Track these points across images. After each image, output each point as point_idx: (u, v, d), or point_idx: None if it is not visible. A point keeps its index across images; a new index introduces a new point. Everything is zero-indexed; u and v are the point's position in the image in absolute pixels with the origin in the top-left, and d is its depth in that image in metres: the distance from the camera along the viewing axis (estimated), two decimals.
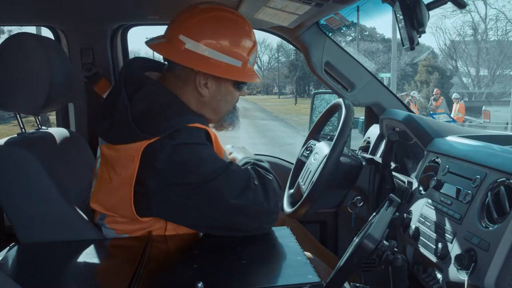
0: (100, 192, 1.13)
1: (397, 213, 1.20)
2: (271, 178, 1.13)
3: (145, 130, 1.02)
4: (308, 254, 1.30)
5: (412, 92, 13.50)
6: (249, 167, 1.15)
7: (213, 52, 1.09)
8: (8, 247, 1.09)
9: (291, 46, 2.02)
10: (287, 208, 1.48)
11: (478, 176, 1.02)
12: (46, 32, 1.87)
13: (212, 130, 1.11)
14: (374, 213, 1.02)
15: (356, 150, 1.69)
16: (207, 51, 1.09)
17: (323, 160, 1.35)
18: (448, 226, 1.05)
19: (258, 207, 1.07)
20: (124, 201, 1.06)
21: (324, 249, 1.71)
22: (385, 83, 12.75)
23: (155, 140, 1.01)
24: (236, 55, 1.12)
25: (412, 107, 10.71)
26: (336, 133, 1.29)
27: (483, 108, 14.22)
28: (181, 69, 1.13)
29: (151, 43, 1.15)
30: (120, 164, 1.06)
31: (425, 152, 1.33)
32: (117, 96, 1.09)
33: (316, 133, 1.65)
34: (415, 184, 1.32)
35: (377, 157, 1.54)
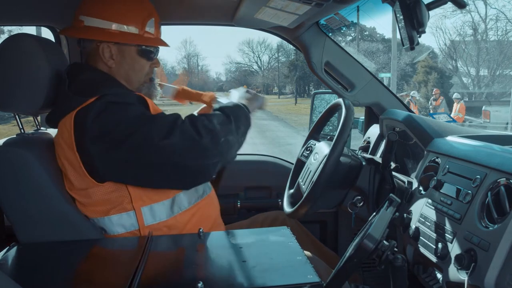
0: (66, 179, 1.20)
1: (397, 213, 1.20)
2: (203, 117, 1.18)
3: (79, 95, 1.15)
4: (308, 253, 1.30)
5: (412, 92, 13.49)
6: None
7: (106, 23, 1.22)
8: (8, 247, 1.09)
9: (291, 46, 2.02)
10: (287, 208, 1.48)
11: (478, 176, 1.02)
12: (46, 32, 1.87)
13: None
14: (374, 213, 1.02)
15: (356, 150, 1.69)
16: (102, 23, 1.22)
17: (323, 160, 1.35)
18: (448, 226, 1.05)
19: (189, 143, 1.13)
20: (76, 169, 1.15)
21: (325, 249, 1.70)
22: (385, 83, 12.75)
23: (86, 104, 1.12)
24: (130, 23, 1.24)
25: (412, 107, 10.71)
26: (336, 133, 1.29)
27: (483, 108, 14.21)
28: (88, 47, 1.26)
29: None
30: (64, 138, 1.15)
31: (425, 152, 1.33)
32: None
33: (316, 133, 1.65)
34: (415, 184, 1.32)
35: (377, 157, 1.53)
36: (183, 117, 1.20)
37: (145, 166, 1.13)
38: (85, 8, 1.24)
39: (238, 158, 2.12)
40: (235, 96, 1.43)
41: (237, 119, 1.24)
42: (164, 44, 1.32)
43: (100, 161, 1.12)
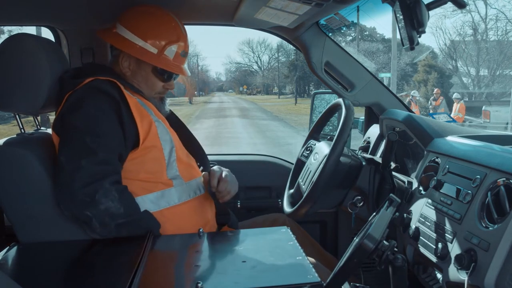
0: None
1: (397, 213, 1.20)
2: (113, 191, 1.13)
3: (73, 80, 1.23)
4: (311, 259, 1.30)
5: (412, 92, 13.49)
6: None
7: (132, 36, 1.30)
8: (8, 247, 1.09)
9: (291, 46, 2.02)
10: (287, 208, 1.48)
11: (478, 176, 1.02)
12: (46, 32, 1.87)
13: (128, 93, 1.25)
14: (374, 213, 1.02)
15: (356, 150, 1.69)
16: (128, 34, 1.31)
17: (323, 160, 1.35)
18: (448, 226, 1.05)
19: (65, 178, 1.12)
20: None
21: (323, 251, 1.70)
22: (385, 83, 12.74)
23: (78, 87, 1.20)
24: (152, 43, 1.31)
25: (413, 107, 10.69)
26: (336, 133, 1.29)
27: (483, 108, 14.22)
28: (114, 50, 1.37)
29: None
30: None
31: (425, 152, 1.33)
32: None
33: (316, 133, 1.65)
34: (415, 184, 1.32)
35: (377, 157, 1.53)
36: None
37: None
38: (122, 16, 1.34)
39: (238, 158, 2.13)
40: None
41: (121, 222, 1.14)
42: (180, 71, 1.36)
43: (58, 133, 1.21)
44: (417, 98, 13.13)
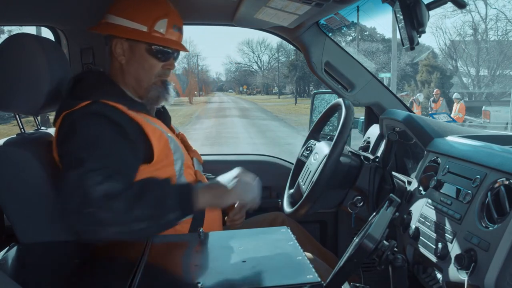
0: None
1: (397, 213, 1.20)
2: (121, 187, 1.04)
3: (75, 98, 1.18)
4: (308, 254, 1.30)
5: (418, 95, 13.51)
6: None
7: (119, 19, 1.27)
8: (8, 247, 1.09)
9: (291, 46, 2.02)
10: (287, 208, 1.48)
11: (478, 176, 1.02)
12: (46, 32, 1.87)
13: (133, 113, 1.19)
14: (374, 213, 1.02)
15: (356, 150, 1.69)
16: (117, 20, 1.27)
17: (323, 160, 1.35)
18: (448, 226, 1.05)
19: (76, 191, 1.01)
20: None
21: (323, 250, 1.70)
22: (385, 83, 12.74)
23: (74, 108, 1.15)
24: (139, 20, 1.27)
25: (415, 108, 10.69)
26: (336, 133, 1.29)
27: (483, 108, 14.23)
28: (108, 43, 1.30)
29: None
30: (54, 137, 1.20)
31: (425, 152, 1.33)
32: None
33: (316, 133, 1.65)
34: (415, 184, 1.32)
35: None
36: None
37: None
38: (110, 6, 1.30)
39: (238, 158, 2.13)
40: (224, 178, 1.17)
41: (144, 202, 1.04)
42: (175, 45, 1.30)
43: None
44: (420, 100, 13.13)
